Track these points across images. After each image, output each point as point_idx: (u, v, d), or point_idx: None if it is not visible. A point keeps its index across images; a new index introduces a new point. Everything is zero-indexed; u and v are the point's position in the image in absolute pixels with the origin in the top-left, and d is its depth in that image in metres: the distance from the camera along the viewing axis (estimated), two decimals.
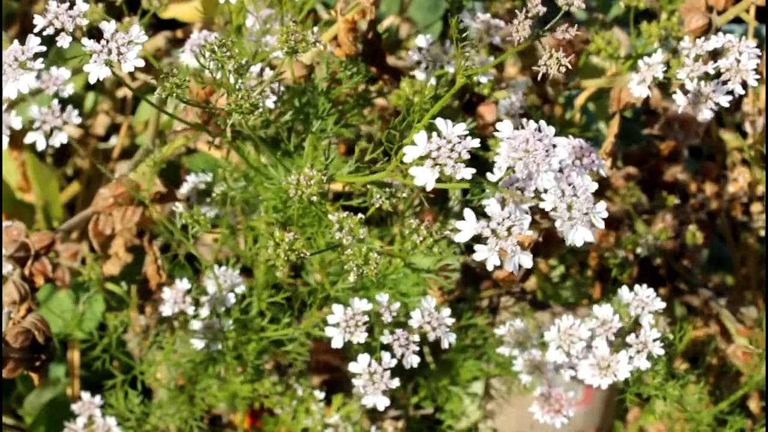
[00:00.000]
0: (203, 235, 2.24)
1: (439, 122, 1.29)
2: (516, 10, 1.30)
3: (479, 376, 2.23)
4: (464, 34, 1.34)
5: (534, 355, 1.81)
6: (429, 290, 1.92)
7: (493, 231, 1.28)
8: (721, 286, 2.51)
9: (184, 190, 2.12)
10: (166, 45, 2.47)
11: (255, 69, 1.70)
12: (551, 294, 2.23)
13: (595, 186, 1.33)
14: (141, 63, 1.35)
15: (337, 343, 1.47)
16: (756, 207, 2.40)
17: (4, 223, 1.88)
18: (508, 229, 1.28)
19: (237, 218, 2.11)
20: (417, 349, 1.47)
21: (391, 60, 2.08)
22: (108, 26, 1.35)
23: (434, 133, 1.28)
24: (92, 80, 1.35)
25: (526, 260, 1.29)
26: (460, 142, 1.27)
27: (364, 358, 1.46)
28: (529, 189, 1.31)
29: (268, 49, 1.46)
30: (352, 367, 1.46)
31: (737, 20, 2.19)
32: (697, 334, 2.22)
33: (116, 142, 2.59)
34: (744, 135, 2.40)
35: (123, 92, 2.66)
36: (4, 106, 1.51)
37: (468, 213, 1.29)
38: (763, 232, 2.42)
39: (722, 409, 1.92)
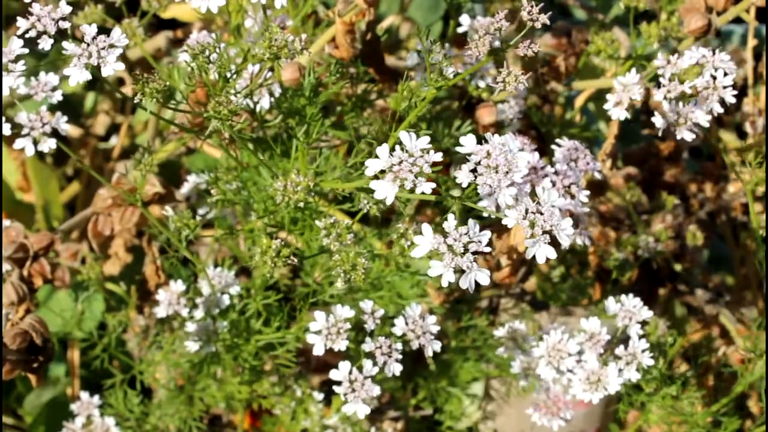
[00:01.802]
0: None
1: (403, 135, 1.27)
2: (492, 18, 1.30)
3: (479, 377, 2.23)
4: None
5: (532, 358, 1.80)
6: (428, 291, 1.92)
7: (450, 247, 1.27)
8: (721, 286, 2.51)
9: (184, 190, 2.12)
10: (167, 45, 2.47)
11: (253, 69, 1.70)
12: (551, 294, 2.23)
13: (562, 202, 1.31)
14: (121, 66, 1.34)
15: (318, 351, 1.46)
16: (755, 207, 2.40)
17: (4, 224, 1.88)
18: (465, 246, 1.27)
19: (237, 218, 2.11)
20: (399, 357, 1.45)
21: (391, 60, 2.07)
22: (89, 29, 1.35)
23: (397, 147, 1.27)
24: (72, 83, 1.34)
25: (483, 278, 1.27)
26: (422, 156, 1.26)
27: (345, 365, 1.45)
28: (493, 204, 1.29)
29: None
30: (333, 374, 1.45)
31: (737, 20, 2.19)
32: (696, 336, 2.21)
33: (116, 142, 2.59)
34: (744, 135, 2.39)
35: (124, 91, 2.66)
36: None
37: (425, 228, 1.27)
38: (763, 232, 2.42)
39: (717, 410, 1.92)
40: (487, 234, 1.27)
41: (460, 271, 1.26)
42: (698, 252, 2.35)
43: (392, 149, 1.26)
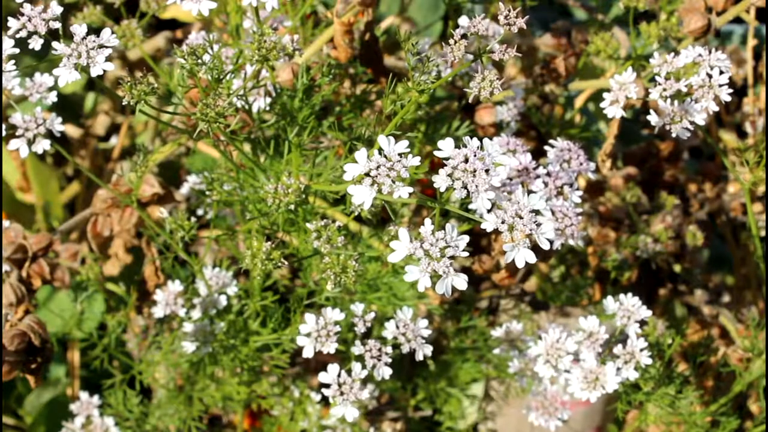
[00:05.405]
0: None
1: (381, 140, 1.26)
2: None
3: (478, 377, 2.22)
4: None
5: (530, 358, 1.80)
6: (427, 292, 1.92)
7: (426, 252, 1.26)
8: (721, 286, 2.51)
9: (183, 190, 2.12)
10: (166, 45, 2.47)
11: (250, 70, 1.70)
12: (551, 295, 2.23)
13: (542, 205, 1.30)
14: (111, 67, 1.34)
15: (308, 353, 1.46)
16: (756, 207, 2.40)
17: (3, 224, 1.88)
18: (442, 251, 1.26)
19: (236, 219, 2.11)
20: (389, 360, 1.45)
21: (390, 61, 2.07)
22: (78, 29, 1.35)
23: (375, 151, 1.26)
24: (61, 84, 1.34)
25: (460, 283, 1.27)
26: (399, 161, 1.25)
27: (333, 368, 1.45)
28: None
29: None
30: (322, 377, 1.45)
31: (737, 20, 2.19)
32: (696, 336, 2.21)
33: (116, 142, 2.59)
34: (744, 135, 2.39)
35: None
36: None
37: (402, 233, 1.27)
38: (763, 232, 2.42)
39: (716, 410, 1.91)
40: (464, 238, 1.27)
41: (438, 276, 1.26)
42: (698, 252, 2.34)
43: (372, 154, 1.26)
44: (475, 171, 1.25)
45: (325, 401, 2.02)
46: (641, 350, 1.64)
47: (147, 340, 2.07)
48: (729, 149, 2.42)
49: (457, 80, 2.06)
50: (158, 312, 1.84)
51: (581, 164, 1.59)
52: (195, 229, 1.63)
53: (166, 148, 1.90)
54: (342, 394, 1.44)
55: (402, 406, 2.23)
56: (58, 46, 1.34)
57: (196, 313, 1.81)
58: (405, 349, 1.46)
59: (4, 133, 1.40)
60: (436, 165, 1.97)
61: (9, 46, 1.36)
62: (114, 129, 2.63)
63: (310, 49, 1.81)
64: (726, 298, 2.44)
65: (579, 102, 2.28)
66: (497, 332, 1.83)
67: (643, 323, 1.69)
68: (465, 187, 1.25)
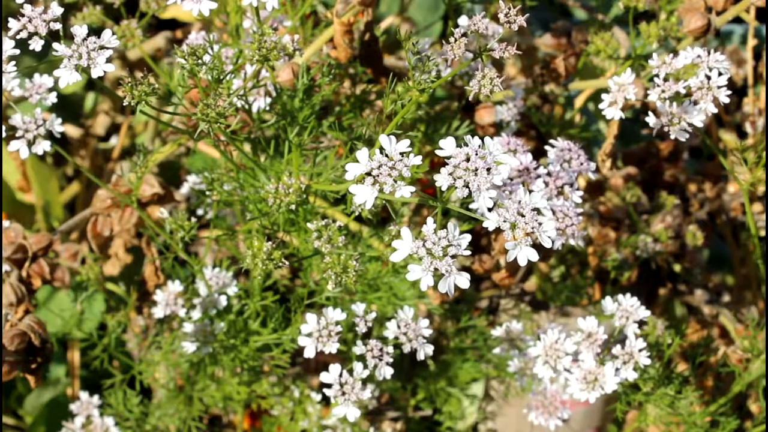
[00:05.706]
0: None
1: (383, 139, 1.26)
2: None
3: (478, 377, 2.22)
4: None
5: (530, 357, 1.80)
6: (427, 292, 1.92)
7: (429, 251, 1.26)
8: (721, 286, 2.51)
9: (183, 190, 2.12)
10: (166, 45, 2.47)
11: (250, 70, 1.70)
12: (551, 294, 2.23)
13: (544, 203, 1.30)
14: (111, 68, 1.34)
15: (309, 353, 1.47)
16: (756, 207, 2.40)
17: (3, 224, 1.88)
18: (444, 249, 1.26)
19: (237, 219, 2.11)
20: (390, 360, 1.45)
21: (390, 61, 2.07)
22: (79, 30, 1.35)
23: (377, 151, 1.26)
24: (62, 85, 1.34)
25: (463, 281, 1.27)
26: (401, 160, 1.25)
27: (335, 367, 1.45)
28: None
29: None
30: (323, 377, 1.45)
31: (737, 20, 2.19)
32: (696, 335, 2.21)
33: (116, 142, 2.59)
34: (744, 135, 2.39)
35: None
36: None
37: (404, 231, 1.27)
38: (763, 232, 2.42)
39: (715, 410, 1.91)
40: (466, 237, 1.27)
41: (440, 275, 1.26)
42: (698, 252, 2.34)
43: (374, 153, 1.26)
44: (476, 170, 1.25)
45: (325, 401, 2.02)
46: (640, 351, 1.64)
47: (147, 340, 2.07)
48: (729, 149, 2.42)
49: (456, 80, 2.06)
50: (158, 312, 1.84)
51: (582, 164, 1.59)
52: (195, 229, 1.63)
53: (166, 148, 1.90)
54: (344, 393, 1.44)
55: (402, 406, 2.23)
56: (59, 47, 1.34)
57: (196, 313, 1.81)
58: (406, 348, 1.46)
59: (4, 134, 1.41)
60: (435, 164, 1.97)
61: (9, 47, 1.36)
62: (114, 129, 2.63)
63: (310, 49, 1.81)
64: (726, 298, 2.44)
65: (579, 102, 2.28)
66: (497, 332, 1.83)
67: (642, 323, 1.68)
68: (467, 185, 1.25)
